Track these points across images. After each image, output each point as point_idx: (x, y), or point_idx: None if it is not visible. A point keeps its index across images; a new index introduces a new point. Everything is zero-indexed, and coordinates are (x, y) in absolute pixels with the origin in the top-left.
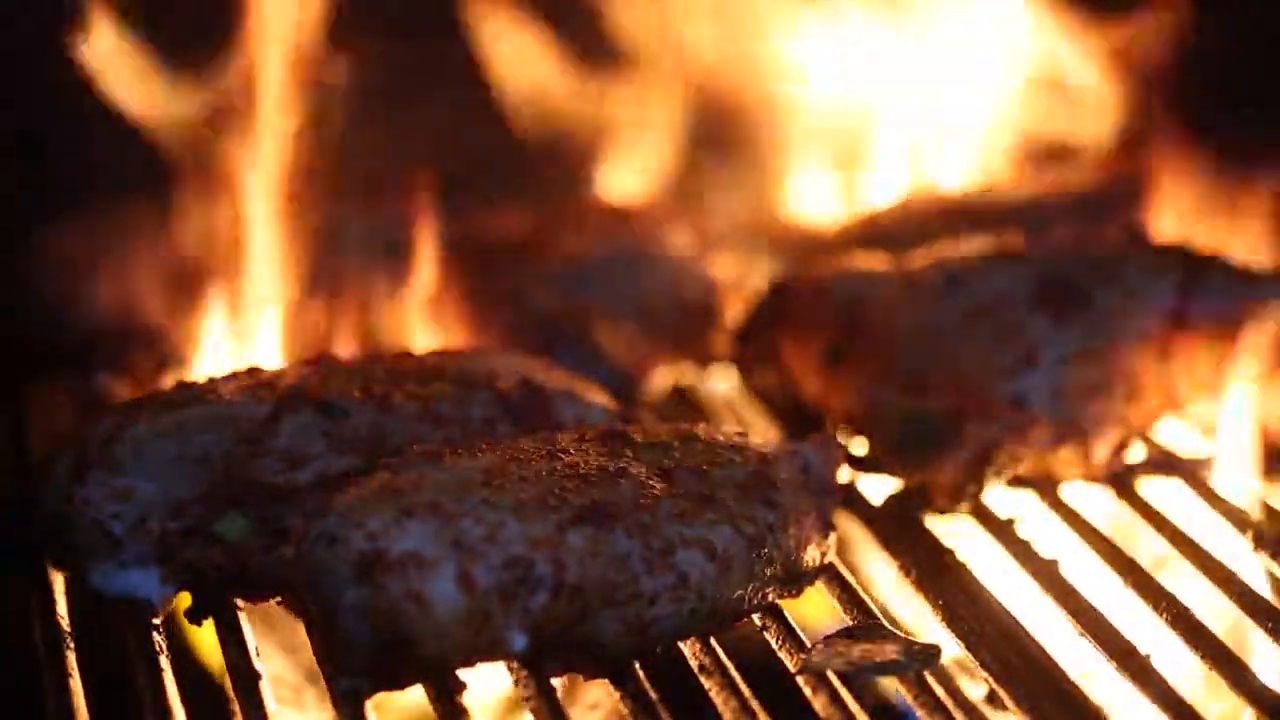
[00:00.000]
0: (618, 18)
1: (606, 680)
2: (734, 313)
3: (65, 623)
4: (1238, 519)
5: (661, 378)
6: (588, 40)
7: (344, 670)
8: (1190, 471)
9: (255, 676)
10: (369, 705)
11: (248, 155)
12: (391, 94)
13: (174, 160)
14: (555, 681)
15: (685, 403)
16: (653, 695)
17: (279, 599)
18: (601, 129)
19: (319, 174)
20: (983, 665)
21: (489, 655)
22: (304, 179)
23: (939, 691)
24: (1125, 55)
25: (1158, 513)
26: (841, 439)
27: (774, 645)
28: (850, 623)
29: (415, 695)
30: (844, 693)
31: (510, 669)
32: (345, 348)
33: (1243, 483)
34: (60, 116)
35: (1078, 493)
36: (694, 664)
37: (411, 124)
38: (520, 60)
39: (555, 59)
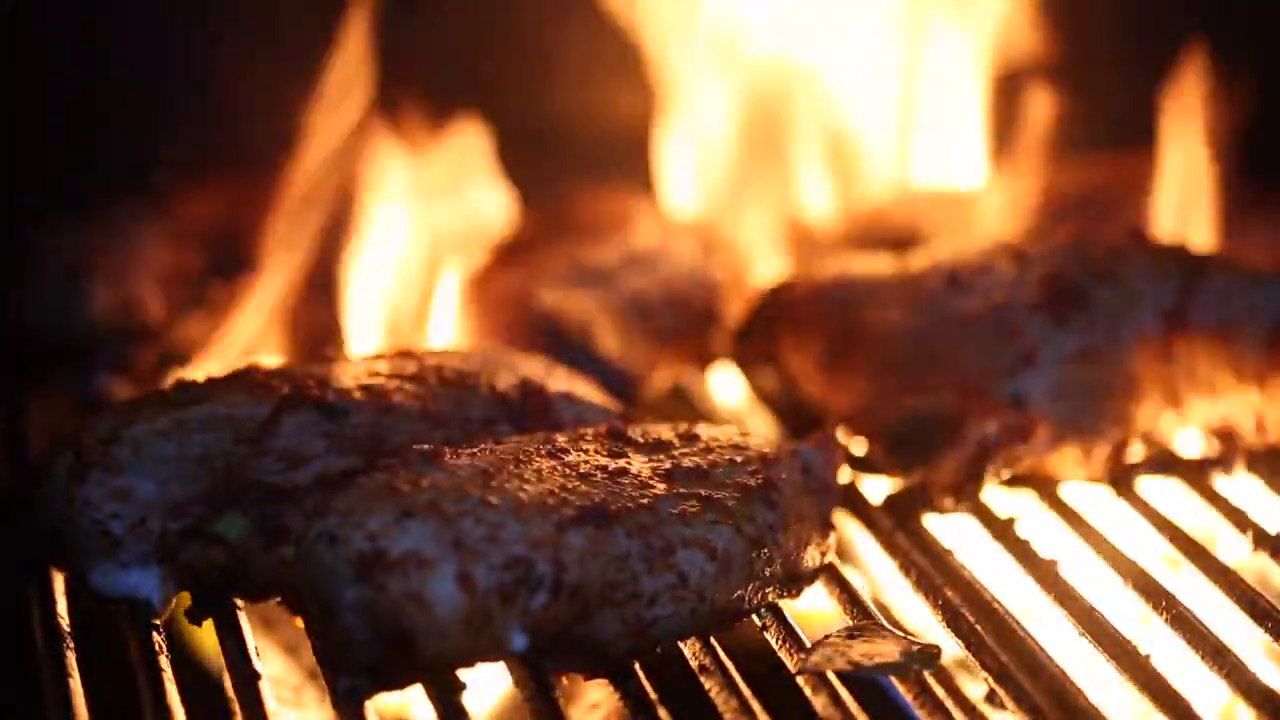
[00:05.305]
0: None
1: (606, 680)
2: (734, 313)
3: (65, 623)
4: (1238, 519)
5: (661, 378)
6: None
7: (344, 670)
8: (1190, 471)
9: (255, 676)
10: (369, 705)
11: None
12: None
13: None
14: (555, 681)
15: (685, 403)
16: (653, 695)
17: (279, 599)
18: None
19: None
20: (983, 665)
21: (489, 655)
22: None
23: (939, 691)
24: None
25: (1158, 512)
26: (841, 439)
27: (774, 645)
28: (850, 623)
29: (415, 695)
30: (844, 693)
31: (510, 669)
32: (345, 348)
33: (1242, 483)
34: (61, 116)
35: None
36: (694, 664)
37: None
38: None
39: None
